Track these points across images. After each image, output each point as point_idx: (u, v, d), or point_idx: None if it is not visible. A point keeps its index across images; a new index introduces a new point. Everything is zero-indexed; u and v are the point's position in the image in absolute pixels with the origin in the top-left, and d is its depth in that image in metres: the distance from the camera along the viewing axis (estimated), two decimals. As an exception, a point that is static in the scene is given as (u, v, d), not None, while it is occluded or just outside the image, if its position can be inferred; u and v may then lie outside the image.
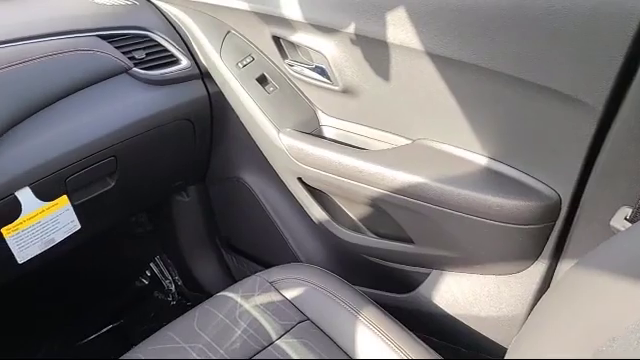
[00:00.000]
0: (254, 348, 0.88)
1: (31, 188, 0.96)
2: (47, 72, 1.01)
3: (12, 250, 0.96)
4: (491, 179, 0.93)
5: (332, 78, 1.05)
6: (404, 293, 1.15)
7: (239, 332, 0.90)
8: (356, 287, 1.00)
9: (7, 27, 1.03)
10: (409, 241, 1.06)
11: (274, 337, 0.90)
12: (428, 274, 1.09)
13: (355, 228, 1.15)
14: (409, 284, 1.13)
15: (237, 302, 0.95)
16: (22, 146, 0.96)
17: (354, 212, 1.15)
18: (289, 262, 1.07)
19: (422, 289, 1.10)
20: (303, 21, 1.00)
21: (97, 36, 1.09)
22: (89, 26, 1.09)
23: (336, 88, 1.06)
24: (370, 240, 1.13)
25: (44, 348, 1.47)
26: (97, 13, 1.15)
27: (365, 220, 1.14)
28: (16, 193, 0.95)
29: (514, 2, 0.77)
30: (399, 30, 0.89)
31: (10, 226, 0.95)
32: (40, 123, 0.98)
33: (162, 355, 0.86)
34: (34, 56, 0.99)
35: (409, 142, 1.04)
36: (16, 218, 0.96)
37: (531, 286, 0.97)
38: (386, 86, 0.99)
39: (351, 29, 0.95)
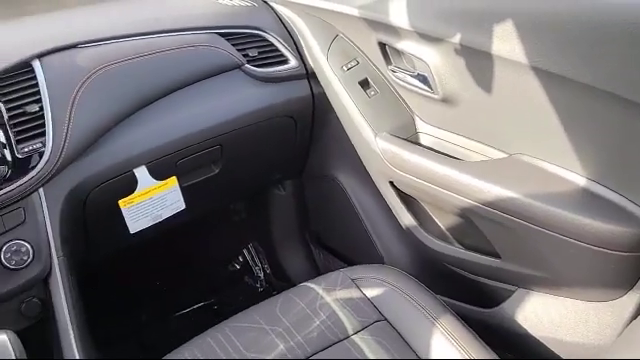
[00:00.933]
0: (330, 339, 0.92)
1: (147, 167, 1.07)
2: (169, 64, 1.11)
3: (126, 220, 1.08)
4: (587, 200, 0.89)
5: (433, 86, 1.06)
6: (486, 308, 1.13)
7: (317, 322, 0.94)
8: (437, 295, 1.00)
9: (138, 22, 1.15)
10: (495, 255, 1.05)
11: (350, 332, 0.93)
12: (513, 291, 1.07)
13: (442, 237, 1.16)
14: (492, 299, 1.11)
15: (319, 294, 0.99)
16: (143, 129, 1.07)
17: (443, 221, 1.15)
18: (373, 263, 1.09)
19: (505, 306, 1.08)
20: (409, 29, 1.02)
21: (216, 33, 1.18)
22: (210, 24, 1.19)
23: (436, 97, 1.07)
24: (456, 250, 1.12)
25: (144, 315, 1.60)
26: (218, 12, 1.25)
27: (453, 230, 1.14)
28: (134, 170, 1.06)
29: (621, 22, 0.74)
30: (505, 43, 0.89)
31: (126, 199, 1.07)
32: (159, 110, 1.09)
33: (245, 332, 0.92)
34: (159, 49, 1.10)
35: (505, 156, 1.03)
36: (132, 192, 1.07)
37: (622, 316, 0.92)
38: (487, 98, 0.99)
39: (456, 39, 0.96)
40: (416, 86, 1.10)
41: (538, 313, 1.04)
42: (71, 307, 0.94)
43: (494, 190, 0.97)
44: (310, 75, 1.25)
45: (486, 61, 0.94)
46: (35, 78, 0.95)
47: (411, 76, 1.11)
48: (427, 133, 1.16)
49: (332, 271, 1.05)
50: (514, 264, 1.02)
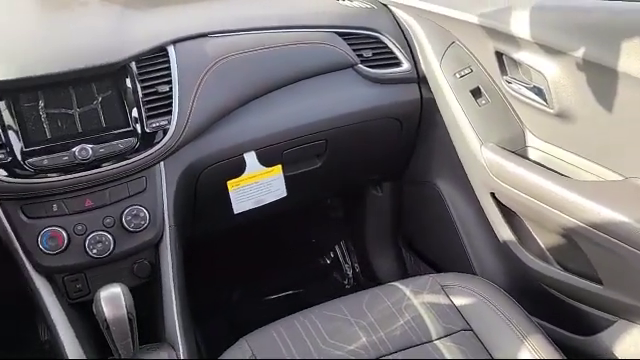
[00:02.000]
0: (412, 340, 0.92)
1: (256, 153, 1.14)
2: (287, 59, 1.17)
3: (232, 200, 1.15)
4: None
5: (548, 100, 1.03)
6: (580, 335, 1.07)
7: (402, 322, 0.95)
8: (528, 314, 0.97)
9: (263, 17, 1.22)
10: (597, 281, 1.00)
11: (434, 336, 0.93)
12: (613, 322, 1.01)
13: (541, 255, 1.11)
14: (588, 327, 1.06)
15: (406, 295, 0.99)
16: (256, 117, 1.14)
17: (543, 239, 1.11)
18: (463, 272, 1.08)
19: (603, 336, 1.02)
20: (529, 40, 1.00)
21: (335, 32, 1.22)
22: (330, 23, 1.23)
23: (550, 111, 1.04)
24: (555, 271, 1.08)
25: (235, 295, 1.69)
26: (338, 12, 1.29)
27: (553, 250, 1.09)
28: (244, 155, 1.13)
29: None
30: (633, 60, 0.85)
31: (234, 180, 1.14)
32: (272, 101, 1.15)
33: (330, 321, 0.95)
34: (279, 44, 1.16)
35: (620, 178, 0.97)
36: (240, 175, 1.14)
37: None
38: (606, 116, 0.94)
39: (579, 53, 0.92)
40: (530, 98, 1.07)
41: (640, 348, 0.97)
42: (175, 273, 1.03)
43: (604, 212, 0.92)
44: (421, 79, 1.26)
45: (610, 78, 0.90)
46: (168, 62, 1.04)
47: (526, 88, 1.08)
48: (536, 147, 1.13)
49: (421, 275, 1.05)
50: (618, 292, 0.97)
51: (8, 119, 0.92)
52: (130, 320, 0.78)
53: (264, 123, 1.15)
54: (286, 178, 1.20)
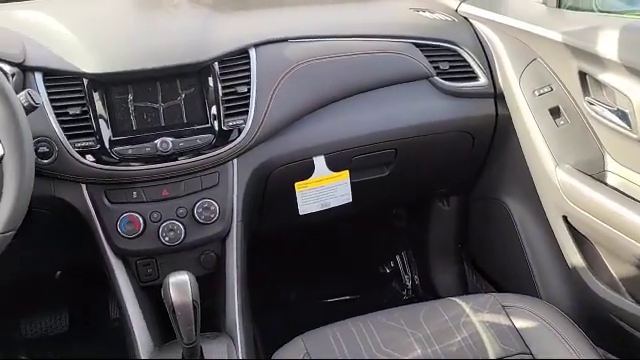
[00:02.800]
0: (468, 357, 0.91)
1: (325, 157, 1.16)
2: (363, 67, 1.19)
3: (298, 202, 1.17)
4: None
5: (632, 125, 0.99)
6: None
7: (459, 338, 0.94)
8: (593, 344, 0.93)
9: (342, 25, 1.24)
10: (673, 319, 0.94)
11: (491, 356, 0.91)
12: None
13: (612, 285, 1.07)
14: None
15: (465, 311, 0.98)
16: (327, 122, 1.16)
17: (616, 268, 1.06)
18: (527, 294, 1.05)
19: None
20: (617, 61, 0.96)
21: (412, 43, 1.22)
22: (408, 33, 1.24)
23: (634, 136, 0.99)
24: (626, 303, 1.03)
25: (294, 294, 1.72)
26: (417, 23, 1.29)
27: (626, 280, 1.04)
28: (314, 158, 1.15)
29: None
30: None
31: (302, 182, 1.16)
32: (345, 107, 1.17)
33: (386, 329, 0.95)
34: (356, 52, 1.18)
35: None
36: (308, 177, 1.16)
37: None
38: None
39: (670, 77, 0.88)
40: (613, 122, 1.03)
41: None
42: (239, 267, 1.06)
43: (685, 247, 0.87)
44: (497, 95, 1.24)
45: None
46: (249, 64, 1.08)
47: (609, 111, 1.04)
48: (616, 173, 1.08)
49: (482, 293, 1.04)
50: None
51: (100, 109, 0.99)
52: (194, 307, 0.82)
53: (335, 129, 1.17)
54: (352, 184, 1.21)
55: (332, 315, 1.03)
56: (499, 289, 1.39)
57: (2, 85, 0.77)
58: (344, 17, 1.30)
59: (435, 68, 1.22)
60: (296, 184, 1.16)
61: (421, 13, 1.33)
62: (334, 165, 1.18)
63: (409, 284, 1.72)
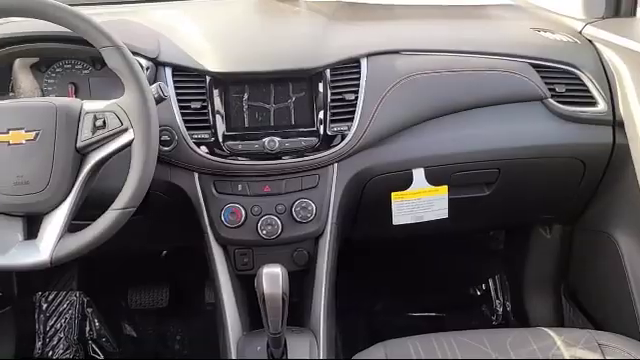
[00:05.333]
0: (553, 393, 0.87)
1: (425, 170, 1.16)
2: (473, 84, 1.17)
3: (393, 212, 1.18)
4: None
5: None
6: None
7: (547, 371, 0.90)
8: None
9: (456, 39, 1.23)
10: None
11: (579, 395, 0.87)
12: None
13: None
14: None
15: (556, 344, 0.94)
16: (430, 136, 1.16)
17: None
18: (629, 336, 0.98)
19: None
20: None
21: (529, 63, 1.19)
22: (525, 53, 1.20)
23: None
24: None
25: (379, 305, 1.73)
26: (536, 43, 1.25)
27: None
28: (413, 170, 1.16)
29: None
30: None
31: (398, 193, 1.17)
32: (449, 122, 1.16)
33: (469, 349, 0.94)
34: (468, 68, 1.17)
35: None
36: (405, 189, 1.17)
37: None
38: None
39: None
40: None
41: None
42: (329, 267, 1.09)
43: None
44: (617, 123, 1.17)
45: None
46: (359, 73, 1.11)
47: None
48: None
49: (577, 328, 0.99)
50: None
51: (218, 105, 1.07)
52: (283, 300, 0.86)
53: (438, 142, 1.17)
54: (450, 200, 1.20)
55: (415, 330, 1.03)
56: (597, 327, 1.31)
57: (140, 78, 0.86)
58: (459, 32, 1.29)
59: (550, 90, 1.17)
60: (393, 194, 1.18)
61: (542, 33, 1.29)
62: (433, 179, 1.17)
63: (500, 310, 1.66)
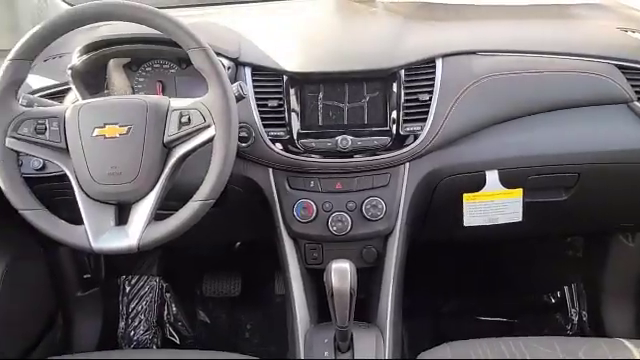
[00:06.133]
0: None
1: (499, 172, 1.14)
2: (554, 85, 1.14)
3: (464, 213, 1.18)
4: None
5: None
6: None
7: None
8: None
9: (536, 40, 1.20)
10: None
11: (656, 412, 0.83)
12: None
13: None
14: None
15: (635, 357, 0.90)
16: (505, 137, 1.14)
17: None
18: None
19: None
20: None
21: (614, 64, 1.14)
22: (610, 54, 1.15)
23: None
24: None
25: (447, 306, 1.71)
26: (623, 44, 1.19)
27: None
28: (486, 172, 1.14)
29: None
30: None
31: (471, 194, 1.16)
32: (528, 123, 1.14)
33: (539, 355, 0.92)
34: (548, 69, 1.14)
35: None
36: (477, 190, 1.16)
37: None
38: None
39: None
40: None
41: None
42: (397, 266, 1.11)
43: None
44: None
45: None
46: (434, 73, 1.11)
47: None
48: None
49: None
50: None
51: (294, 104, 1.10)
52: (351, 295, 0.88)
53: (514, 144, 1.14)
54: (525, 204, 1.17)
55: (483, 334, 1.02)
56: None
57: (223, 78, 0.91)
58: (540, 32, 1.25)
59: (637, 93, 1.12)
60: (464, 195, 1.17)
61: (629, 33, 1.23)
62: (507, 181, 1.15)
63: (575, 319, 1.60)
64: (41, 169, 1.10)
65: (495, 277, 1.69)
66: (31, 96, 1.01)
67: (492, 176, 1.14)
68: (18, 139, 0.91)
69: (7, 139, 0.91)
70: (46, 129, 0.92)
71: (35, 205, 0.92)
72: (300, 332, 1.07)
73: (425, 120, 1.09)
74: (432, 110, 1.09)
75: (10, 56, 0.91)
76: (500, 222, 1.19)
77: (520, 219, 1.18)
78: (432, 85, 1.10)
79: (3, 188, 0.91)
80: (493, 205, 1.17)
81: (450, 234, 1.33)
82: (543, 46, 1.17)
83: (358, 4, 1.41)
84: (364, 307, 1.12)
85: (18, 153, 0.93)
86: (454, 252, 1.62)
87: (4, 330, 1.21)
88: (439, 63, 1.11)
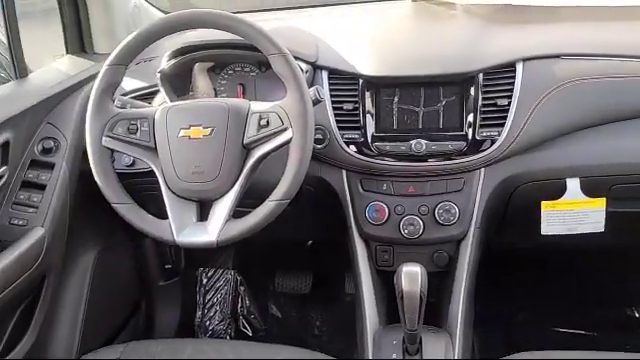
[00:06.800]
0: None
1: (580, 180, 1.10)
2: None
3: (542, 221, 1.14)
4: None
5: None
6: None
7: None
8: None
9: (623, 43, 1.14)
10: None
11: None
12: None
13: None
14: None
15: None
16: (587, 144, 1.10)
17: None
18: None
19: None
20: None
21: None
22: None
23: None
24: None
25: (521, 316, 1.66)
26: None
27: None
28: (567, 179, 1.11)
29: None
30: None
31: (549, 202, 1.13)
32: (612, 130, 1.10)
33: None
34: (638, 73, 1.08)
35: None
36: (557, 198, 1.12)
37: None
38: None
39: None
40: None
41: None
42: (470, 272, 1.10)
43: None
44: None
45: None
46: (514, 78, 1.08)
47: None
48: None
49: None
50: None
51: (369, 107, 1.12)
52: (421, 298, 0.88)
53: (597, 152, 1.10)
54: (608, 213, 1.12)
55: (559, 346, 0.99)
56: None
57: (301, 83, 0.94)
58: (627, 35, 1.19)
59: None
60: (543, 203, 1.13)
61: None
62: (589, 190, 1.11)
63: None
64: (130, 165, 1.18)
65: (574, 287, 1.63)
66: (124, 98, 1.09)
67: (573, 184, 1.11)
68: (113, 138, 0.98)
69: (104, 138, 0.98)
70: (137, 129, 0.98)
71: (126, 199, 0.99)
72: (369, 332, 1.08)
73: (503, 125, 1.08)
74: (511, 115, 1.07)
75: (108, 61, 0.98)
76: (581, 232, 1.14)
77: (602, 229, 1.13)
78: (511, 90, 1.08)
79: (99, 183, 0.99)
80: (573, 214, 1.13)
81: (526, 241, 1.30)
82: (631, 50, 1.11)
83: (436, 7, 1.40)
84: (434, 311, 1.11)
85: (112, 151, 1.00)
86: (530, 259, 1.57)
87: (95, 314, 1.31)
88: (519, 67, 1.09)
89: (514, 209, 1.17)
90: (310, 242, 1.80)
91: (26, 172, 1.12)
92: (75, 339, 1.27)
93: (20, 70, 1.18)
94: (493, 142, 1.08)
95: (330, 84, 1.14)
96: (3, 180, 1.07)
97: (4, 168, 1.07)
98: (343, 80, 1.14)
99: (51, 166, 1.13)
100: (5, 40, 1.15)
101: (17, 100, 1.12)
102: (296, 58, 1.02)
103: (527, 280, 1.61)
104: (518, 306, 1.67)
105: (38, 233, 1.08)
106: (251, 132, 0.96)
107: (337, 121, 1.12)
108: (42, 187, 1.12)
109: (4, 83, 1.16)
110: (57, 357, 1.23)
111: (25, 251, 1.04)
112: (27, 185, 1.12)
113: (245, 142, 0.96)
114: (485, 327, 1.45)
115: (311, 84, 1.10)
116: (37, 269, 1.07)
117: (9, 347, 1.09)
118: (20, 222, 1.08)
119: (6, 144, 1.06)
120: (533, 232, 1.15)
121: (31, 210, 1.09)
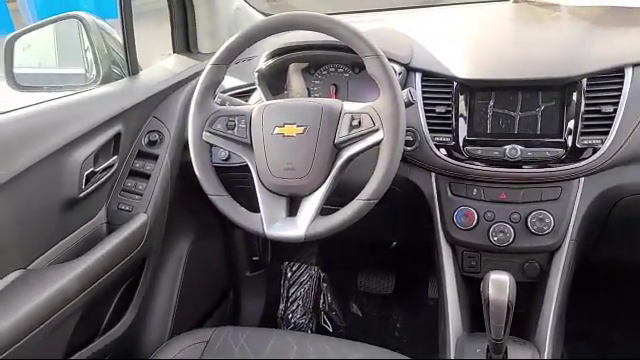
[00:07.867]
0: None
1: None
2: None
3: None
4: None
5: None
6: None
7: None
8: None
9: None
10: None
11: None
12: None
13: None
14: None
15: None
16: None
17: None
18: None
19: None
20: None
21: None
22: None
23: None
24: None
25: (617, 335, 1.56)
26: None
27: None
28: None
29: None
30: None
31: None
32: None
33: None
34: None
35: None
36: None
37: None
38: None
39: None
40: None
41: None
42: (562, 284, 1.05)
43: None
44: None
45: None
46: (622, 84, 1.03)
47: None
48: None
49: None
50: None
51: (462, 110, 1.10)
52: (508, 308, 0.85)
53: None
54: None
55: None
56: None
57: (395, 85, 0.95)
58: None
59: None
60: None
61: None
62: None
63: None
64: (226, 159, 1.24)
65: None
66: (224, 95, 1.15)
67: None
68: (213, 133, 1.04)
69: (204, 133, 1.04)
70: (235, 125, 1.03)
71: (222, 192, 1.04)
72: (452, 338, 1.07)
73: (607, 133, 1.02)
74: (616, 123, 1.02)
75: (212, 61, 1.04)
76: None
77: None
78: (618, 96, 1.02)
79: (198, 175, 1.05)
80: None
81: (629, 257, 1.22)
82: None
83: (539, 8, 1.34)
84: (522, 323, 1.08)
85: (211, 145, 1.06)
86: (631, 275, 1.47)
87: (187, 298, 1.39)
88: (629, 73, 1.03)
89: (615, 221, 1.10)
90: (394, 243, 1.80)
91: (133, 162, 1.21)
92: (169, 320, 1.35)
93: (133, 68, 1.27)
94: (595, 151, 1.03)
95: (423, 86, 1.13)
96: (114, 168, 1.16)
97: (115, 157, 1.16)
98: (437, 82, 1.13)
99: (155, 157, 1.22)
100: (121, 40, 1.25)
101: (129, 95, 1.21)
102: (390, 60, 1.02)
103: (627, 297, 1.51)
104: (613, 324, 1.57)
105: (142, 219, 1.16)
106: (343, 132, 0.98)
107: (428, 123, 1.12)
108: (147, 176, 1.20)
109: (118, 79, 1.26)
110: (153, 336, 1.32)
111: (130, 234, 1.13)
112: (134, 174, 1.21)
113: (336, 141, 0.98)
114: (576, 344, 1.38)
115: (404, 86, 1.10)
116: (139, 252, 1.16)
117: (111, 323, 1.18)
118: (127, 207, 1.17)
119: (118, 135, 1.16)
120: (635, 247, 1.09)
121: (137, 197, 1.18)
